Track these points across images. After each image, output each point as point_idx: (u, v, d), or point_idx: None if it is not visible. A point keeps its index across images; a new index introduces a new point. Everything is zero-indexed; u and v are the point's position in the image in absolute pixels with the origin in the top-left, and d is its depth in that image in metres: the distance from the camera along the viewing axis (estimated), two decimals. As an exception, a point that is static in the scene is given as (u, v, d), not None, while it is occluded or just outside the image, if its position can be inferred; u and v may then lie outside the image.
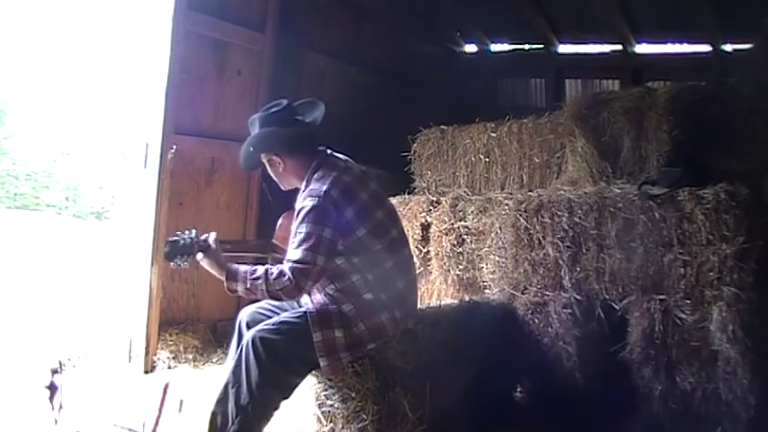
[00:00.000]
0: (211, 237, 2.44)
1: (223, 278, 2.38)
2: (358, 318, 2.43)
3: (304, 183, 2.54)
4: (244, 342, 2.37)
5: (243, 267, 2.39)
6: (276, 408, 2.37)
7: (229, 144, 4.12)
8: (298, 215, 2.42)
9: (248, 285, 2.35)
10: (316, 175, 2.50)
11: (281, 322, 2.44)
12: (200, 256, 2.39)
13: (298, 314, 2.45)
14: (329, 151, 2.61)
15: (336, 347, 2.39)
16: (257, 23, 4.26)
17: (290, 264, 2.34)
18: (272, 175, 2.64)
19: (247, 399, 2.29)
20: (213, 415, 2.34)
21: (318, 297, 2.47)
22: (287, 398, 2.39)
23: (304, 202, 2.42)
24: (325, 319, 2.41)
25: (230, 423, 2.30)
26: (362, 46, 5.37)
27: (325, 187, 2.42)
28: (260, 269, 2.36)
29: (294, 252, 2.36)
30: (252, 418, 2.31)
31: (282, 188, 2.67)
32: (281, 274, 2.32)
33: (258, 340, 2.33)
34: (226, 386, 2.35)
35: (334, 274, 2.44)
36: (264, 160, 2.61)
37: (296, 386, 2.41)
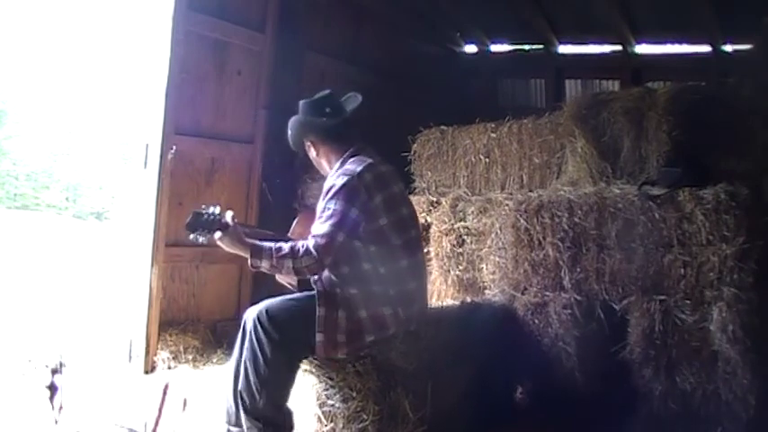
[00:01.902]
0: (228, 215, 2.44)
1: (247, 255, 2.40)
2: (361, 304, 2.45)
3: (338, 164, 2.60)
4: (252, 319, 2.39)
5: (267, 244, 2.41)
6: (296, 370, 2.40)
7: (229, 144, 4.12)
8: (328, 192, 2.45)
9: (274, 262, 2.37)
10: (352, 159, 2.56)
11: (288, 299, 2.47)
12: (218, 234, 2.39)
13: (305, 295, 2.47)
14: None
15: (336, 327, 2.41)
16: (257, 23, 4.25)
17: (314, 240, 2.36)
18: (310, 158, 2.73)
19: (266, 369, 2.32)
20: (240, 393, 2.37)
21: (327, 275, 2.47)
22: (301, 361, 2.43)
23: (336, 180, 2.46)
24: (330, 297, 2.43)
25: (258, 396, 2.33)
26: (362, 46, 5.37)
27: (359, 169, 2.47)
28: (285, 246, 2.38)
29: (320, 227, 2.39)
30: (275, 386, 2.34)
31: (321, 172, 2.76)
32: (308, 251, 2.34)
33: (265, 314, 2.36)
34: (244, 363, 2.37)
35: (348, 255, 2.46)
36: (305, 145, 2.70)
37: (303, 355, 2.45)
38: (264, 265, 2.39)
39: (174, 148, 3.61)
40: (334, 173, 2.55)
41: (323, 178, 2.70)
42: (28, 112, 15.27)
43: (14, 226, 10.49)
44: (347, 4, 5.22)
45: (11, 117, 15.07)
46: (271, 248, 2.38)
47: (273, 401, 2.34)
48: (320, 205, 2.48)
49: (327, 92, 2.72)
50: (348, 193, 2.42)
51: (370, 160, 2.54)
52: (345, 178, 2.44)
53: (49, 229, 11.01)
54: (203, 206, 2.43)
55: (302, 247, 2.36)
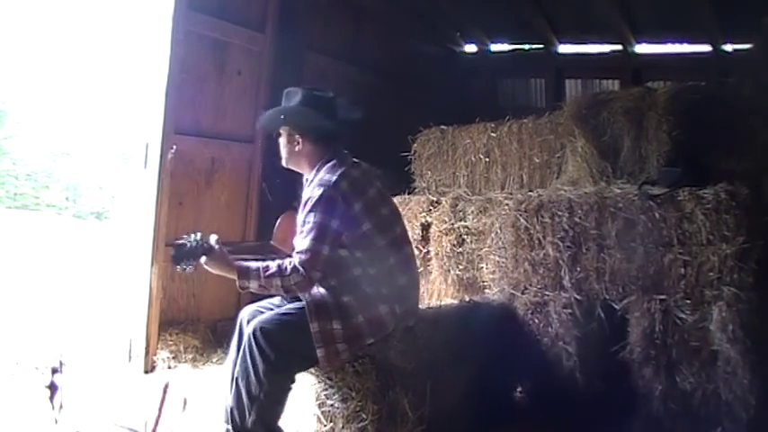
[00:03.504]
0: (212, 238, 2.42)
1: (234, 277, 2.38)
2: (357, 310, 2.43)
3: (313, 172, 2.56)
4: (246, 334, 2.38)
5: (254, 264, 2.39)
6: (288, 391, 2.38)
7: (229, 144, 4.13)
8: (306, 204, 2.43)
9: (262, 282, 2.35)
10: (326, 166, 2.52)
11: (282, 314, 2.45)
12: (203, 259, 2.37)
13: (298, 307, 2.45)
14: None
15: (334, 338, 2.39)
16: (257, 23, 4.26)
17: (299, 256, 2.35)
18: (281, 148, 2.64)
19: (258, 388, 2.31)
20: (230, 411, 2.36)
21: (316, 289, 2.46)
22: (294, 381, 2.41)
23: (313, 192, 2.43)
24: (322, 310, 2.40)
25: (248, 414, 2.31)
26: (362, 46, 5.37)
27: (335, 178, 2.44)
28: (272, 265, 2.36)
29: (302, 242, 2.38)
30: (266, 406, 2.33)
31: (284, 164, 2.67)
32: (295, 268, 2.33)
33: (259, 331, 2.34)
34: (236, 380, 2.36)
35: (336, 265, 2.44)
36: (284, 132, 2.62)
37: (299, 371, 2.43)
38: (253, 286, 2.37)
39: (174, 147, 3.61)
40: (311, 182, 2.53)
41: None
42: (28, 112, 15.27)
43: (14, 226, 10.49)
44: (347, 4, 5.22)
45: (11, 117, 15.06)
46: (258, 269, 2.36)
47: (263, 421, 2.32)
48: (300, 218, 2.45)
49: (331, 94, 2.65)
50: (326, 204, 2.39)
51: (344, 167, 2.50)
52: (322, 189, 2.41)
53: (49, 228, 11.01)
54: (184, 236, 2.39)
55: (289, 264, 2.34)
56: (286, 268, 2.33)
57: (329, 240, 2.38)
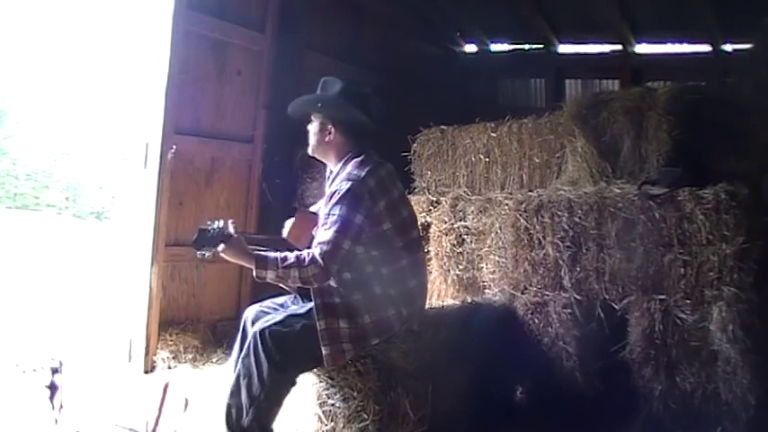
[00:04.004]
0: (230, 226, 2.42)
1: (252, 266, 2.37)
2: (364, 310, 2.43)
3: (339, 165, 2.57)
4: (252, 334, 2.37)
5: (272, 254, 2.39)
6: (287, 393, 2.38)
7: (229, 144, 4.13)
8: (332, 197, 2.44)
9: (280, 273, 2.34)
10: (355, 161, 2.53)
11: (290, 316, 2.45)
12: (221, 247, 2.36)
13: (305, 309, 2.46)
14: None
15: (340, 337, 2.39)
16: (257, 23, 4.26)
17: (320, 247, 2.35)
18: (311, 135, 2.64)
19: (259, 389, 2.31)
20: (228, 407, 2.36)
21: (326, 285, 2.45)
22: (295, 384, 2.41)
23: (340, 185, 2.44)
24: (329, 308, 2.41)
25: (245, 413, 2.32)
26: (362, 46, 5.37)
27: (363, 174, 2.46)
28: (291, 255, 2.35)
29: (325, 233, 2.37)
30: (265, 407, 2.33)
31: (310, 152, 2.68)
32: (313, 260, 2.33)
33: (267, 332, 2.34)
34: (237, 378, 2.36)
35: (350, 262, 2.45)
36: (316, 120, 2.62)
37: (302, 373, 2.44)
38: (270, 276, 2.36)
39: (174, 147, 3.62)
40: (337, 176, 2.54)
41: (322, 177, 2.68)
42: (28, 112, 15.29)
43: (14, 226, 10.49)
44: (347, 3, 5.22)
45: (11, 117, 15.09)
46: (276, 258, 2.35)
47: (260, 421, 2.33)
48: (324, 210, 2.46)
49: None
50: (352, 198, 2.40)
51: (371, 164, 2.52)
52: (350, 183, 2.42)
53: (49, 229, 11.02)
54: (208, 222, 2.39)
55: (308, 255, 2.34)
56: (304, 259, 2.33)
57: (351, 235, 2.38)
